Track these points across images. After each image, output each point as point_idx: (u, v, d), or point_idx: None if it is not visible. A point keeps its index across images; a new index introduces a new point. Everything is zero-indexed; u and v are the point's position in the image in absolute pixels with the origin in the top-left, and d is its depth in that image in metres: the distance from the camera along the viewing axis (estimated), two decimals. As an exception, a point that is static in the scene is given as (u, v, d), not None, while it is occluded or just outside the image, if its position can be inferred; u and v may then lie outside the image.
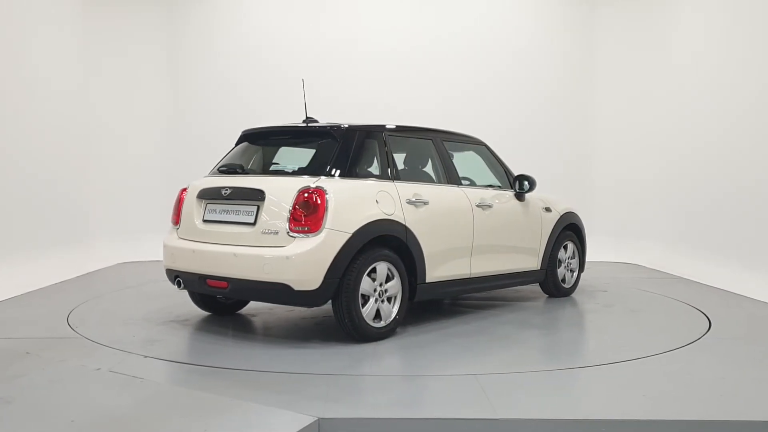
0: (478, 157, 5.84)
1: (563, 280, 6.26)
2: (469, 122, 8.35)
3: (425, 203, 4.79)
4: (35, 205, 7.05)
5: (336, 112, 7.83)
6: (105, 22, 8.73)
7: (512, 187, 5.76)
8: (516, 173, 5.83)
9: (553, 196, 6.35)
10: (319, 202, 4.18)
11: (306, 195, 4.21)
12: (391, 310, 4.55)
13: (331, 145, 4.59)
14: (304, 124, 4.88)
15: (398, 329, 4.75)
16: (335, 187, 4.31)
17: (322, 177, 4.38)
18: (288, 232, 4.19)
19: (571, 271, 6.36)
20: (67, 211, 7.84)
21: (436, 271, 4.85)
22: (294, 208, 4.20)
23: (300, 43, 9.05)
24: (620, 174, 9.29)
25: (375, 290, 4.43)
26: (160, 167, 8.91)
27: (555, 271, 6.12)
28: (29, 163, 6.96)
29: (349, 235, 4.22)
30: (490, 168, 5.82)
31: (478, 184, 5.64)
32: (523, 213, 5.77)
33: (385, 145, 4.83)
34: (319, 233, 4.15)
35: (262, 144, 5.12)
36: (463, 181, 5.59)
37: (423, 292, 4.79)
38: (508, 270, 5.63)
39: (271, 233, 4.25)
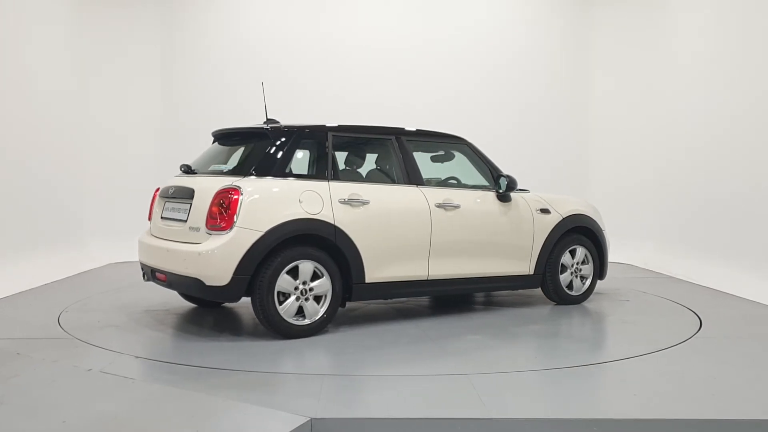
0: (462, 156, 5.67)
1: (570, 287, 5.87)
2: (464, 123, 8.37)
3: (364, 203, 4.76)
4: (27, 205, 7.02)
5: (330, 111, 7.85)
6: (99, 22, 8.69)
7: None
8: (506, 173, 5.54)
9: (557, 197, 6.00)
10: (231, 201, 4.32)
11: (221, 194, 4.39)
12: (317, 309, 4.58)
13: (266, 145, 4.75)
14: (264, 126, 4.95)
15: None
16: (252, 186, 4.45)
17: (245, 176, 4.54)
18: (206, 230, 4.39)
19: (581, 277, 5.94)
20: (60, 210, 7.81)
21: (379, 272, 4.82)
22: (211, 206, 4.39)
23: (295, 43, 9.03)
24: (614, 175, 9.32)
25: (296, 288, 4.48)
26: (154, 167, 8.86)
27: (556, 277, 5.74)
28: (23, 163, 6.93)
29: (261, 233, 4.33)
30: (475, 167, 5.63)
31: (463, 184, 5.58)
32: (506, 214, 5.50)
33: (326, 146, 4.85)
34: (229, 231, 4.31)
35: (225, 144, 5.25)
36: (450, 181, 5.57)
37: (363, 293, 4.80)
38: (485, 273, 5.40)
39: (194, 230, 4.51)
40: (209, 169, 4.98)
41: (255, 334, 4.74)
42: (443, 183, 5.60)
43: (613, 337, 4.89)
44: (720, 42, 7.37)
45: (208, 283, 4.32)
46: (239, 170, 4.67)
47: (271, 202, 4.47)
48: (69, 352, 4.14)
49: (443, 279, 5.19)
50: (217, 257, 4.28)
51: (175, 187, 4.91)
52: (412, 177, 5.15)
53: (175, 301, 5.73)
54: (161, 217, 4.98)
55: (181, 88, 9.12)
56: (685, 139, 8.02)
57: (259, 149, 4.77)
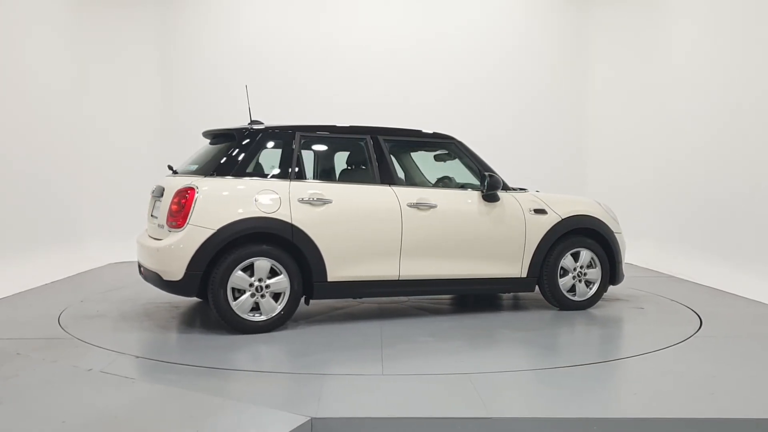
0: (448, 155, 5.56)
1: (573, 292, 5.57)
2: (464, 122, 8.38)
3: (326, 202, 4.78)
4: (27, 206, 7.01)
5: (329, 111, 7.84)
6: (99, 22, 8.68)
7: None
8: (492, 172, 5.34)
9: (558, 197, 5.71)
10: (187, 199, 4.53)
11: (180, 193, 4.59)
12: (274, 306, 4.66)
13: (231, 145, 4.91)
14: (232, 127, 5.09)
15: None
16: (207, 185, 4.62)
17: (205, 176, 4.71)
18: (167, 227, 4.61)
19: (586, 282, 5.60)
20: (59, 211, 7.80)
21: (343, 271, 4.82)
22: (171, 204, 4.60)
23: (295, 43, 9.03)
24: (613, 174, 9.32)
25: (251, 285, 4.59)
26: (153, 167, 8.83)
27: (554, 281, 5.45)
28: (21, 164, 6.93)
29: (213, 231, 4.49)
30: (465, 166, 5.47)
31: (455, 183, 5.52)
32: (490, 214, 5.27)
33: (293, 146, 4.91)
34: (183, 228, 4.51)
35: (212, 144, 5.34)
36: (445, 181, 5.53)
37: (325, 291, 4.84)
38: (467, 275, 5.23)
39: (161, 227, 4.73)
40: (184, 169, 5.14)
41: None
42: (421, 183, 5.57)
43: (612, 336, 4.89)
44: (719, 41, 7.37)
45: (164, 277, 4.56)
46: (203, 170, 4.82)
47: (224, 201, 4.60)
48: (69, 352, 4.14)
49: (418, 280, 5.10)
50: (171, 253, 4.50)
51: (156, 186, 5.15)
52: (385, 176, 5.09)
53: (173, 299, 5.72)
54: (150, 215, 5.18)
55: (180, 88, 9.11)
56: (685, 138, 8.02)
57: (225, 149, 4.91)
